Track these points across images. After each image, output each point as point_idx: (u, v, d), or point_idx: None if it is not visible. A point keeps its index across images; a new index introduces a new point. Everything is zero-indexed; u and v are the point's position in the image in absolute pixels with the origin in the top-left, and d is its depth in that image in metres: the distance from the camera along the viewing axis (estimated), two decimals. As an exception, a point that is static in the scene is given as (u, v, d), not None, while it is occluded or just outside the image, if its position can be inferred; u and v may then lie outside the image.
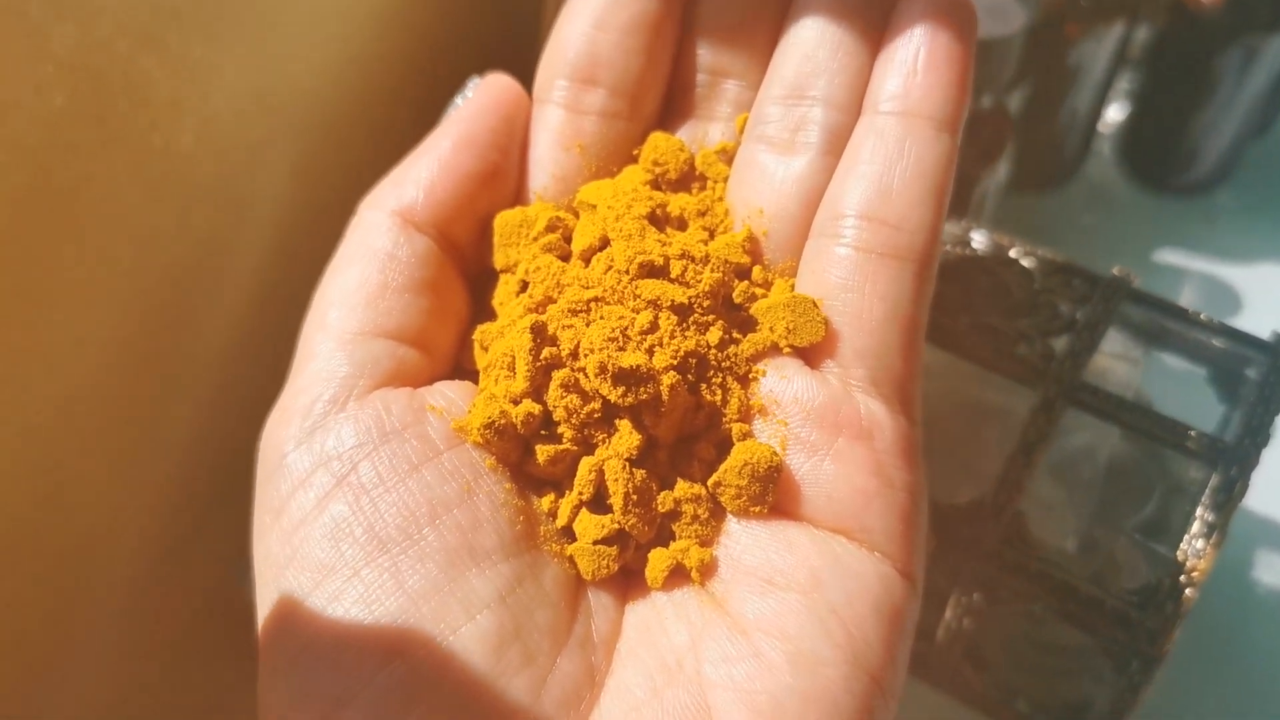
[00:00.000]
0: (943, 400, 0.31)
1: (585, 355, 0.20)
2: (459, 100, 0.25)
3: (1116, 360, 0.32)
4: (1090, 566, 0.29)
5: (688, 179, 0.23)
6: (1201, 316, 0.30)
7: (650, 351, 0.20)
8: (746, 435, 0.20)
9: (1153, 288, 0.30)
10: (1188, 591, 0.26)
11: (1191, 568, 0.26)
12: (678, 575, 0.20)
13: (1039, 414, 0.28)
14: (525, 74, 0.24)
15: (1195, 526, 0.26)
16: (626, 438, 0.20)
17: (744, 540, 0.20)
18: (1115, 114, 0.51)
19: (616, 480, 0.19)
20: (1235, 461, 0.27)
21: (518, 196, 0.23)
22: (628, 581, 0.20)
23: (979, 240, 0.32)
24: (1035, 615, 0.28)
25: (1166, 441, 0.28)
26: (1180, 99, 0.46)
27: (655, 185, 0.23)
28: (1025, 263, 0.31)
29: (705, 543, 0.20)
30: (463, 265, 0.23)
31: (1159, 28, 0.46)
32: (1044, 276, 0.31)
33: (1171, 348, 0.31)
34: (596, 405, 0.20)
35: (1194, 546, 0.26)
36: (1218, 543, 0.26)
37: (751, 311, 0.21)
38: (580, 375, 0.20)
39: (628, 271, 0.20)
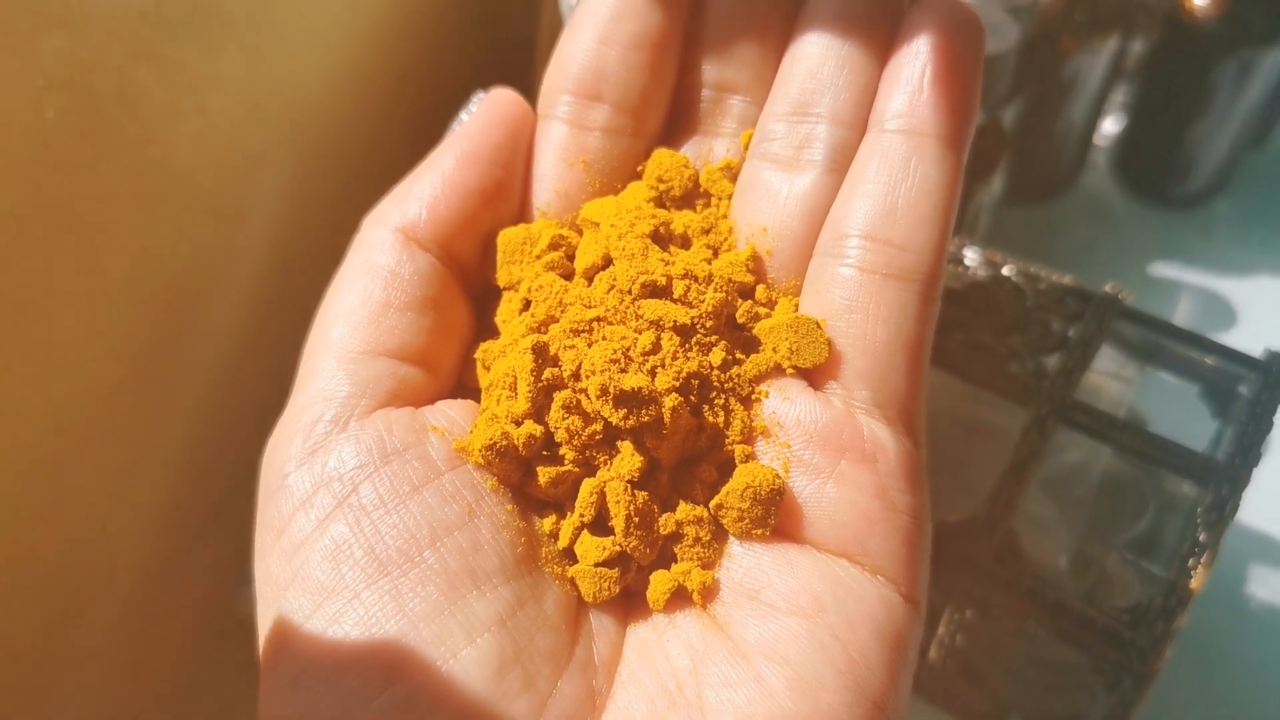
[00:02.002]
0: (935, 418, 0.32)
1: (587, 376, 0.19)
2: (463, 115, 0.25)
3: (1109, 378, 0.32)
4: (1083, 584, 0.29)
5: (692, 196, 0.23)
6: (1194, 334, 0.30)
7: (652, 373, 0.20)
8: (749, 457, 0.20)
9: (1148, 301, 0.30)
10: (1179, 610, 0.26)
11: (1183, 586, 0.26)
12: (679, 598, 0.20)
13: (1031, 432, 0.28)
14: (520, 85, 0.24)
15: (1187, 545, 0.26)
16: (628, 459, 0.19)
17: (746, 563, 0.19)
18: (1111, 127, 0.51)
19: (618, 502, 0.19)
20: (1227, 480, 0.27)
21: (521, 213, 0.23)
22: (629, 603, 0.20)
23: (971, 257, 0.32)
24: (1028, 632, 0.28)
25: (1157, 460, 0.28)
26: (1176, 112, 0.46)
27: (659, 202, 0.23)
28: (1017, 280, 0.32)
29: (707, 565, 0.20)
30: (466, 282, 0.22)
31: (1154, 41, 0.46)
32: (1036, 294, 0.31)
33: (1164, 365, 0.31)
34: (598, 427, 0.20)
35: (1185, 565, 0.26)
36: (1209, 561, 0.26)
37: (755, 332, 0.21)
38: (582, 396, 0.20)
39: (630, 291, 0.20)
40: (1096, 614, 0.26)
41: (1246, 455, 0.27)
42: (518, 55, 0.36)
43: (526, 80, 0.24)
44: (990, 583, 0.27)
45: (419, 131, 0.26)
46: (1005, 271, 0.32)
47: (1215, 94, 0.44)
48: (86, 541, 0.28)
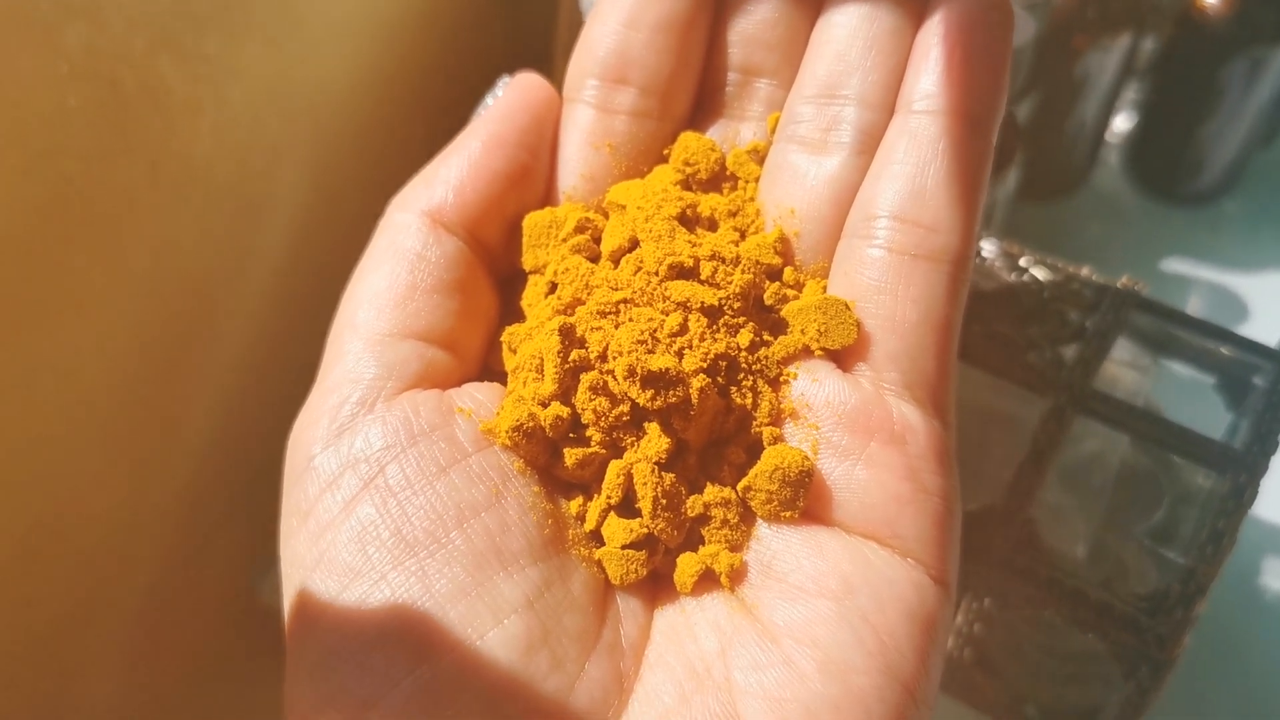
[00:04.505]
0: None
1: (614, 358, 0.19)
2: (489, 100, 0.25)
3: (1125, 368, 0.32)
4: (1100, 573, 0.29)
5: (719, 179, 0.23)
6: (1210, 324, 0.30)
7: (680, 354, 0.20)
8: (777, 439, 0.20)
9: (1160, 296, 0.30)
10: (1198, 597, 0.26)
11: (1201, 574, 0.26)
12: (707, 580, 0.19)
13: (1049, 421, 0.28)
14: (541, 74, 0.24)
15: (1204, 533, 0.26)
16: (655, 441, 0.19)
17: (774, 545, 0.19)
18: (1123, 124, 0.51)
19: (645, 484, 0.19)
20: (1244, 469, 0.27)
21: (547, 197, 0.23)
22: (656, 586, 0.20)
23: (989, 249, 0.32)
24: (1046, 621, 0.28)
25: (1175, 449, 0.28)
26: (1187, 109, 0.46)
27: (686, 185, 0.23)
28: (1035, 271, 0.32)
29: (735, 548, 0.20)
30: (492, 266, 0.22)
31: (1166, 38, 0.46)
32: (1053, 285, 0.31)
33: (1180, 356, 0.31)
34: (625, 408, 0.19)
35: (1203, 553, 0.26)
36: (1227, 549, 0.26)
37: (783, 313, 0.21)
38: (609, 378, 0.19)
39: (657, 273, 0.20)
40: (1115, 601, 0.26)
41: (1264, 443, 0.27)
42: (535, 47, 0.36)
43: (544, 71, 0.24)
44: (1008, 572, 0.27)
45: (437, 123, 0.26)
46: (1022, 263, 0.32)
47: (1226, 92, 0.44)
48: (107, 532, 0.28)
